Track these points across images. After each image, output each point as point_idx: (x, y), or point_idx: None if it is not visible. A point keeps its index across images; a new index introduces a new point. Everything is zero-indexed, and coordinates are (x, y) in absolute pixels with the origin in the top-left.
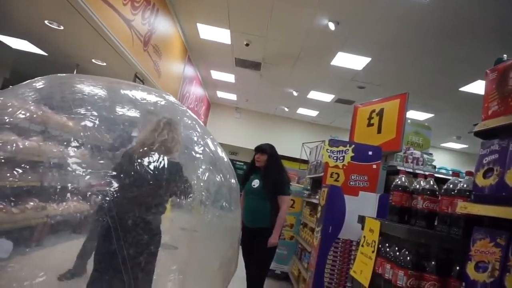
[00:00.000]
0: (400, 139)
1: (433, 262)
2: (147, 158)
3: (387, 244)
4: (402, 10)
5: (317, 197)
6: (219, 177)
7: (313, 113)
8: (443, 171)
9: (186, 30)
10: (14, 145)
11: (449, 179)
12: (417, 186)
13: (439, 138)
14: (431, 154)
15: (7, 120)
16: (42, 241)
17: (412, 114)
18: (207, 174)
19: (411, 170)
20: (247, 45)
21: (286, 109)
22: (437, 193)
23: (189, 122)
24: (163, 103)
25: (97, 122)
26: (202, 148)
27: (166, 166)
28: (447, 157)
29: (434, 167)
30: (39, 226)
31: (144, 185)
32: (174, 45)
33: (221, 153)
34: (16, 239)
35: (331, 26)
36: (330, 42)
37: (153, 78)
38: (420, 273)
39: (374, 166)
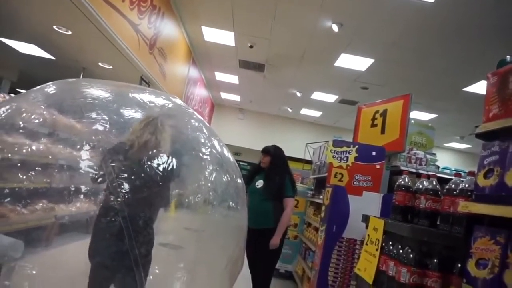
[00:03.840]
0: (403, 139)
1: (435, 260)
2: (155, 159)
3: (390, 242)
4: (405, 11)
5: (321, 197)
6: (226, 177)
7: (317, 113)
8: (447, 171)
9: (190, 33)
10: (29, 148)
11: (452, 179)
12: (420, 186)
13: (443, 138)
14: (434, 154)
15: (22, 125)
16: (52, 241)
17: (416, 115)
18: (214, 174)
19: (414, 170)
20: (251, 47)
21: (290, 110)
22: (439, 193)
23: (196, 124)
24: (170, 105)
25: (107, 125)
26: (209, 149)
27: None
28: (451, 157)
29: (438, 167)
30: (49, 226)
31: (154, 185)
32: (179, 48)
33: (227, 153)
34: (27, 239)
35: (335, 27)
36: (333, 44)
37: (159, 80)
38: (422, 270)
39: (378, 166)
